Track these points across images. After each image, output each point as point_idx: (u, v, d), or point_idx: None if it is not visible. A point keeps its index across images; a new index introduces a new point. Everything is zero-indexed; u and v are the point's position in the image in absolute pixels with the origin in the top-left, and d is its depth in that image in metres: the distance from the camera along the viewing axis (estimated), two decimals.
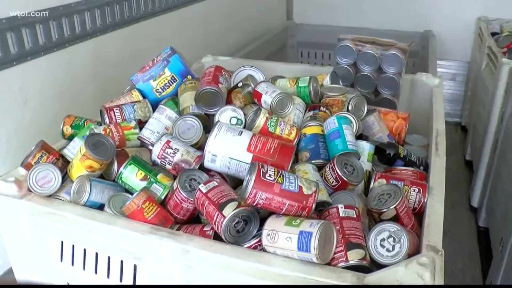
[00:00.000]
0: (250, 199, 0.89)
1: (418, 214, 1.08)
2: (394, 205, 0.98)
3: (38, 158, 1.15)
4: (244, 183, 0.92)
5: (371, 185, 1.11)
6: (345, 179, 1.04)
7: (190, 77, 1.39)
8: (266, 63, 2.06)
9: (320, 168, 1.11)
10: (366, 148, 1.18)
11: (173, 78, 1.39)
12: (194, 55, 2.00)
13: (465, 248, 2.29)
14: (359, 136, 1.23)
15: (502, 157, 2.09)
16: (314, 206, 0.90)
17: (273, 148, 1.02)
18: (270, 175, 0.90)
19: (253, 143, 1.02)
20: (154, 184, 1.05)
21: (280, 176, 0.90)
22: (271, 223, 0.88)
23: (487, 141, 2.32)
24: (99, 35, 1.64)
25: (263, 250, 0.89)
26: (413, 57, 2.90)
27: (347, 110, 1.34)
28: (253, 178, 0.89)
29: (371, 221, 1.04)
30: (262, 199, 0.89)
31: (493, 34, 2.74)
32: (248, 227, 0.92)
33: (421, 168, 1.25)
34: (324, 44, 3.07)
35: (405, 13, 3.22)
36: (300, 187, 0.90)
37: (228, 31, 2.66)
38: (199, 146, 1.16)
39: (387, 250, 0.88)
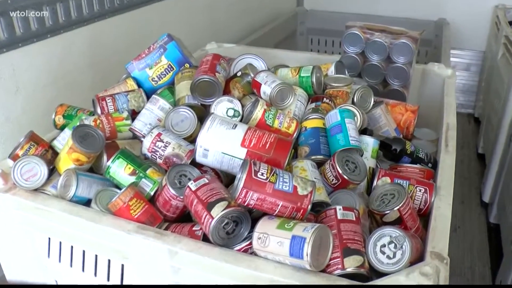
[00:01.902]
0: (240, 199, 0.83)
1: (424, 215, 1.02)
2: (398, 207, 0.91)
3: (26, 149, 1.10)
4: (235, 181, 0.85)
5: (374, 183, 1.04)
6: (345, 177, 0.97)
7: (188, 65, 1.32)
8: (272, 50, 1.99)
9: (320, 164, 1.04)
10: (370, 143, 1.11)
11: (170, 66, 1.32)
12: (199, 42, 1.93)
13: (474, 246, 2.21)
14: (364, 130, 1.17)
15: None
16: (309, 207, 0.84)
17: (269, 143, 0.96)
18: (262, 174, 0.83)
19: (247, 138, 0.96)
20: (143, 180, 1.00)
21: (273, 175, 0.84)
22: (262, 226, 0.82)
23: (501, 134, 2.23)
24: (96, 21, 1.58)
25: (254, 253, 0.83)
26: (425, 46, 2.80)
27: (352, 102, 1.27)
28: (244, 177, 0.82)
29: (372, 223, 0.97)
30: (253, 199, 0.83)
31: (511, 23, 2.63)
32: (239, 228, 0.86)
33: (429, 165, 1.18)
34: (335, 31, 2.97)
35: (418, 0, 3.11)
36: (295, 187, 0.84)
37: (235, 17, 2.59)
38: (194, 139, 1.10)
39: (388, 257, 0.81)
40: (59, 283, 1.08)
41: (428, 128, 1.49)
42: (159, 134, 1.04)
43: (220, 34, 2.39)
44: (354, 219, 0.86)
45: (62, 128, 1.23)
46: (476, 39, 3.14)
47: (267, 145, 0.95)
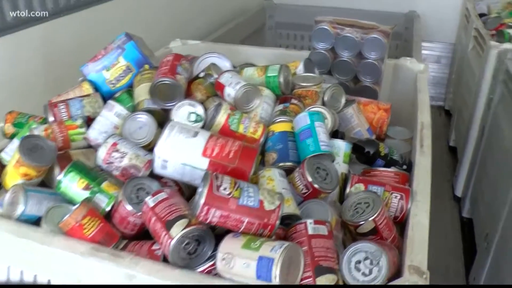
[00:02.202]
0: (201, 217, 0.76)
1: (400, 222, 0.96)
2: (373, 217, 0.85)
3: None
4: (196, 196, 0.78)
5: (347, 191, 0.98)
6: (316, 186, 0.90)
7: (148, 66, 1.24)
8: (239, 47, 1.92)
9: (289, 171, 0.97)
10: (342, 147, 1.04)
11: (128, 68, 1.24)
12: (162, 39, 1.84)
13: (448, 241, 2.19)
14: (335, 133, 1.10)
15: (489, 146, 1.97)
16: (277, 223, 0.77)
17: (233, 151, 0.88)
18: (225, 189, 0.76)
19: (209, 146, 0.88)
20: (98, 195, 0.91)
21: (237, 189, 0.77)
22: (226, 245, 0.75)
23: (473, 128, 2.20)
24: (50, 20, 1.48)
25: (219, 275, 0.76)
26: (396, 39, 2.77)
27: (323, 102, 1.21)
28: (205, 192, 0.75)
29: (346, 234, 0.91)
30: (215, 216, 0.76)
31: (481, 15, 2.61)
32: (201, 247, 0.78)
33: (404, 167, 1.12)
34: (304, 25, 2.91)
35: None
36: (261, 202, 0.77)
37: (201, 12, 2.50)
38: (153, 148, 1.02)
39: (363, 274, 0.75)
40: None
41: (401, 125, 1.44)
42: (114, 144, 0.96)
43: (185, 30, 2.31)
44: (327, 233, 0.80)
45: (12, 138, 1.14)
46: (446, 31, 3.12)
47: (231, 154, 0.88)
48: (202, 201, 0.75)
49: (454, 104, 2.98)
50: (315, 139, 0.97)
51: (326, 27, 1.54)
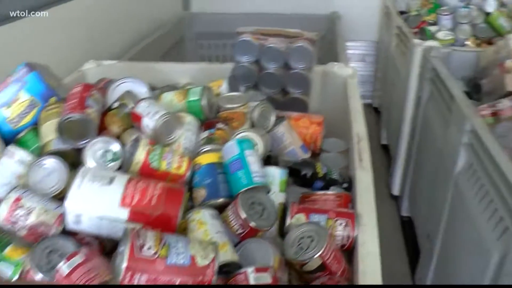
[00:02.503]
0: (125, 282, 0.65)
1: (348, 249, 0.89)
2: (319, 253, 0.77)
3: None
4: (117, 258, 0.67)
5: (287, 223, 0.89)
6: (253, 225, 0.81)
7: (54, 99, 1.10)
8: (159, 64, 1.79)
9: (222, 207, 0.87)
10: (277, 175, 0.95)
11: (32, 102, 1.09)
12: (75, 61, 1.70)
13: (390, 242, 2.16)
14: (268, 158, 1.02)
15: (423, 144, 1.96)
16: (214, 278, 0.67)
17: (156, 196, 0.78)
18: (149, 248, 0.65)
19: (128, 194, 0.77)
20: (1, 263, 0.78)
21: (164, 247, 0.66)
22: None
23: (404, 127, 2.19)
24: None
25: None
26: (319, 41, 2.73)
27: (251, 123, 1.12)
28: (126, 255, 0.64)
29: (291, 273, 0.83)
30: (142, 281, 0.65)
31: (401, 13, 2.62)
32: None
33: (345, 185, 1.05)
34: (226, 33, 2.81)
35: None
36: (193, 258, 0.67)
37: (115, 29, 2.35)
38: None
39: None
40: None
41: (335, 135, 1.37)
42: (18, 199, 0.82)
43: (100, 50, 2.15)
44: (270, 281, 0.71)
45: None
46: (368, 30, 3.14)
47: (154, 200, 0.77)
48: (124, 265, 0.64)
49: (382, 102, 2.99)
50: (247, 170, 0.88)
51: (248, 39, 1.46)
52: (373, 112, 3.22)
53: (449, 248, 1.52)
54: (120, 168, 0.91)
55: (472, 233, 1.29)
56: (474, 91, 1.93)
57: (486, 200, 1.24)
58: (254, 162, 0.90)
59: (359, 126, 1.24)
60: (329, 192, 0.99)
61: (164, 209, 0.77)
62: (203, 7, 3.11)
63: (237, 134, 0.99)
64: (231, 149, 0.91)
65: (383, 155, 2.75)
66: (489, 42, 2.19)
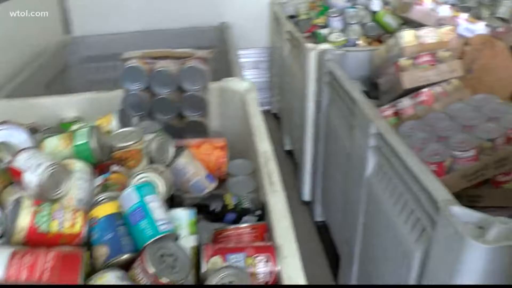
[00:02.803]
0: None
1: (274, 283, 0.82)
2: None
3: None
4: None
5: (203, 268, 0.81)
6: (164, 280, 0.72)
7: None
8: (40, 99, 1.62)
9: (128, 265, 0.77)
10: (184, 217, 0.87)
11: None
12: None
13: (308, 248, 2.14)
14: (171, 199, 0.93)
15: (329, 148, 1.95)
16: None
17: (48, 269, 0.67)
18: None
19: (13, 272, 0.65)
20: None
21: None
22: None
23: (307, 132, 2.18)
24: None
25: None
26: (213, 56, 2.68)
27: (149, 159, 1.02)
28: None
29: None
30: None
31: (291, 17, 2.62)
32: None
33: (258, 213, 0.99)
34: (115, 54, 2.68)
35: (196, 6, 2.95)
36: None
37: None
38: None
39: None
40: None
41: (240, 154, 1.31)
42: None
43: None
44: None
45: None
46: (259, 36, 3.12)
47: (46, 274, 0.66)
48: None
49: (282, 108, 2.98)
50: (150, 219, 0.78)
51: (136, 65, 1.35)
52: (273, 118, 3.21)
53: (369, 251, 1.51)
54: (1, 238, 0.79)
55: (391, 235, 1.28)
56: (372, 90, 1.96)
57: (401, 202, 1.23)
58: (157, 208, 0.81)
59: (264, 145, 1.18)
60: (242, 225, 0.91)
61: (60, 280, 0.66)
62: (86, 30, 2.93)
63: (134, 178, 0.89)
64: (130, 197, 0.82)
65: (289, 161, 2.73)
66: (379, 40, 2.25)
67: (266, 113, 3.28)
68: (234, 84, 1.55)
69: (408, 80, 1.61)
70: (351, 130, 1.58)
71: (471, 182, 1.26)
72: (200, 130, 1.36)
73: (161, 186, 0.90)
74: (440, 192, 1.06)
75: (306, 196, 2.36)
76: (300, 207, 2.39)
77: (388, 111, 1.51)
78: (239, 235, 0.90)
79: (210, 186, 1.10)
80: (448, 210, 0.99)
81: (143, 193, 0.81)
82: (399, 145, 1.25)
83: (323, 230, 2.18)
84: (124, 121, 1.14)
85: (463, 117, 1.38)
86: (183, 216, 0.87)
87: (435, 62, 1.70)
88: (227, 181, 1.19)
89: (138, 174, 0.90)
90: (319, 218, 2.23)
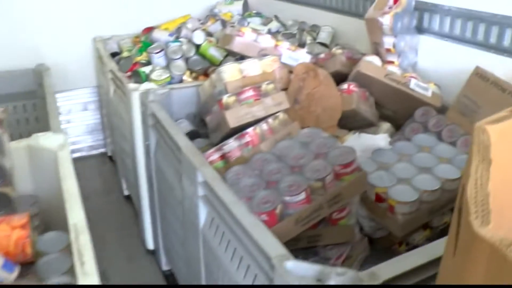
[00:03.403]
0: None
1: None
2: None
3: None
4: None
5: None
6: None
7: None
8: None
9: None
10: None
11: None
12: None
13: None
14: None
15: (163, 195, 1.83)
16: None
17: None
18: None
19: None
20: None
21: None
22: None
23: (141, 177, 2.04)
24: None
25: None
26: (28, 99, 2.43)
27: None
28: None
29: None
30: None
31: (114, 54, 2.47)
32: None
33: None
34: None
35: (9, 48, 2.65)
36: None
37: None
38: None
39: None
40: None
41: (56, 227, 1.16)
42: None
43: None
44: None
45: None
46: (85, 76, 2.91)
47: None
48: None
49: (115, 150, 2.80)
50: None
51: None
52: (109, 161, 3.01)
53: None
54: None
55: (230, 284, 1.20)
56: (202, 127, 1.87)
57: (237, 257, 1.16)
58: None
59: (76, 215, 1.04)
60: None
61: None
62: None
63: None
64: None
65: (129, 206, 2.55)
66: (205, 74, 2.15)
67: (102, 156, 3.08)
68: (45, 140, 1.36)
69: (232, 119, 1.53)
70: (180, 178, 1.48)
71: (306, 225, 1.23)
72: (4, 204, 1.16)
73: None
74: (273, 246, 1.00)
75: (150, 244, 2.20)
76: (145, 256, 2.23)
77: (214, 155, 1.43)
78: None
79: (9, 277, 0.92)
80: (283, 267, 0.93)
81: None
82: (227, 195, 1.18)
83: (170, 279, 2.04)
84: None
85: (291, 157, 1.35)
86: None
87: (259, 96, 1.62)
88: (36, 263, 1.02)
89: None
90: (165, 267, 2.09)
